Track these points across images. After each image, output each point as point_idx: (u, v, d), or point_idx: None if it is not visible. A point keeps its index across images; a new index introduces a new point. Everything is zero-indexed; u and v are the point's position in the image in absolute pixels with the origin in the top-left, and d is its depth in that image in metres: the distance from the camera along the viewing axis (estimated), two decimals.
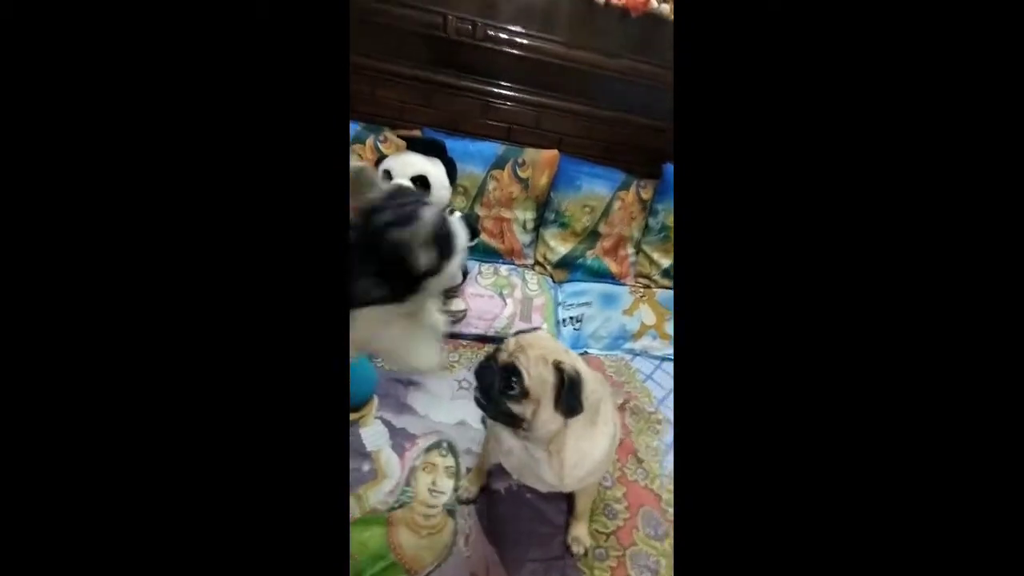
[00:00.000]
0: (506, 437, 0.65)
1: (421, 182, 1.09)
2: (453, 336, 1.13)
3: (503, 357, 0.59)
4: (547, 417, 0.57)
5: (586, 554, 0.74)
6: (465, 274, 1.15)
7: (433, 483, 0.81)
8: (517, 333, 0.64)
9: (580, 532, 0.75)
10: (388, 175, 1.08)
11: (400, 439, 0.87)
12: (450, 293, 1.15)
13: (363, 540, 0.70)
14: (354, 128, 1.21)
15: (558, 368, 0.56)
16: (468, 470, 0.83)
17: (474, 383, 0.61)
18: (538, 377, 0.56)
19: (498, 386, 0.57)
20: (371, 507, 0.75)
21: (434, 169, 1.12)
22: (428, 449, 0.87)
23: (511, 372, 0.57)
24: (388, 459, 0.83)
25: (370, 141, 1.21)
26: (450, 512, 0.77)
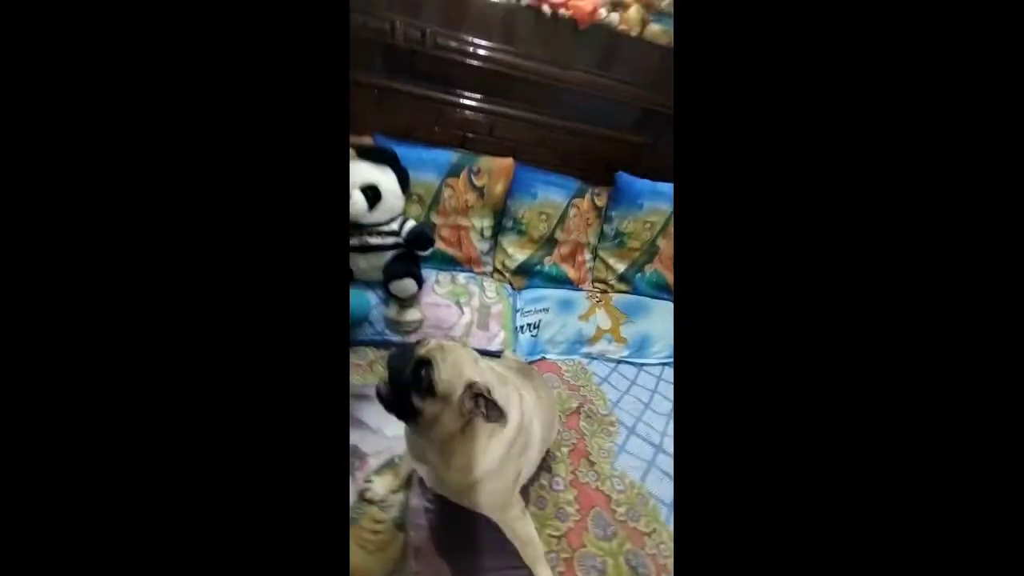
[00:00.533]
0: (410, 437, 0.66)
1: (372, 191, 1.08)
2: None
3: (420, 351, 0.59)
4: (448, 421, 0.58)
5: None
6: (420, 283, 1.14)
7: (383, 500, 0.80)
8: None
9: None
10: None
11: (352, 458, 0.85)
12: (405, 303, 1.14)
13: None
14: None
15: (472, 387, 0.58)
16: (419, 481, 0.83)
17: (384, 371, 0.61)
18: (448, 382, 0.57)
19: (408, 377, 0.57)
20: None
21: (385, 178, 1.11)
22: (381, 468, 0.85)
23: (424, 365, 0.57)
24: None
25: None
26: (399, 526, 0.77)
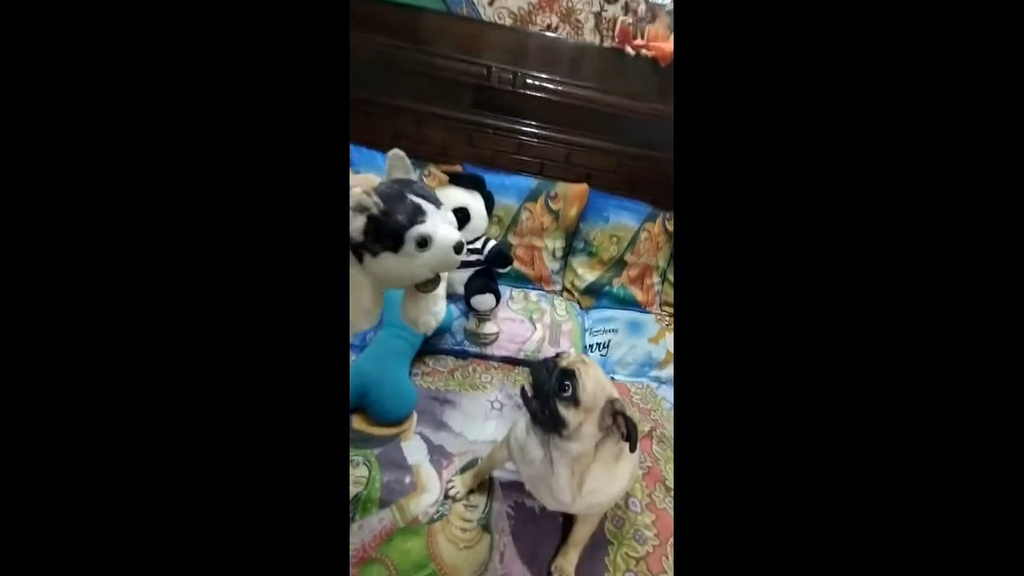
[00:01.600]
0: (533, 446, 0.67)
1: (462, 213, 1.19)
2: (484, 357, 1.19)
3: (562, 362, 0.61)
4: (589, 432, 0.60)
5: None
6: (498, 298, 1.22)
7: (468, 499, 0.85)
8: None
9: (564, 562, 0.74)
10: None
11: (438, 456, 0.92)
12: (483, 316, 1.22)
13: (405, 549, 0.74)
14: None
15: (613, 403, 0.59)
16: (501, 484, 0.87)
17: (528, 381, 0.64)
18: (593, 393, 0.59)
19: (552, 385, 0.59)
20: (412, 517, 0.79)
21: (474, 201, 1.21)
22: (463, 469, 0.91)
23: (568, 376, 0.59)
24: (428, 474, 0.88)
25: (415, 175, 1.33)
26: (485, 528, 0.81)
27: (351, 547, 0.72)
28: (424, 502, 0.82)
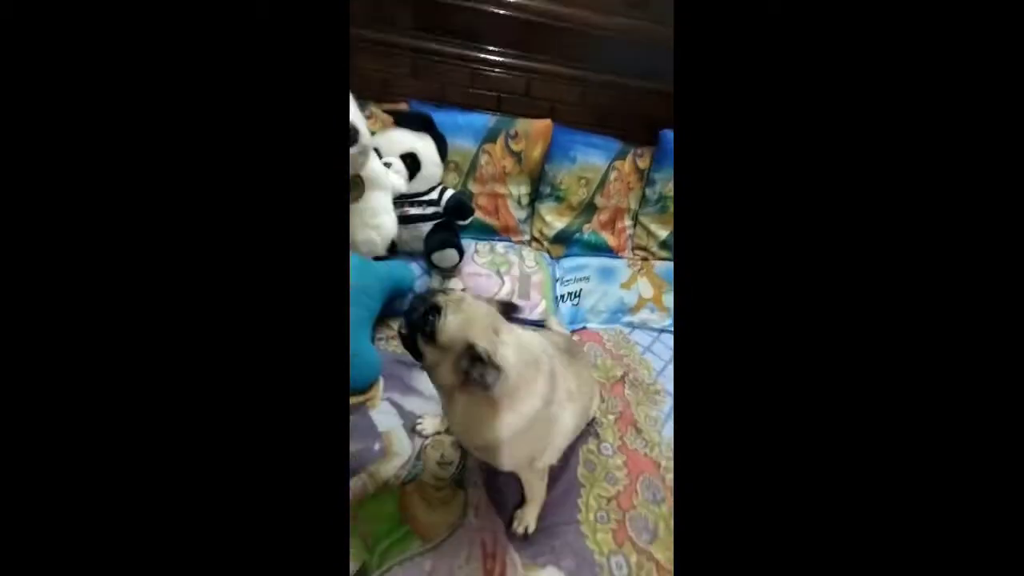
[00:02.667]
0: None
1: (411, 159, 1.06)
2: None
3: (434, 299, 0.60)
4: (445, 372, 0.59)
5: (526, 536, 0.75)
6: (462, 253, 1.14)
7: (441, 456, 0.85)
8: (461, 293, 0.65)
9: (525, 512, 0.76)
10: (377, 153, 1.05)
11: (409, 420, 0.90)
12: (447, 272, 1.15)
13: (378, 512, 0.74)
14: None
15: (470, 348, 0.56)
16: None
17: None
18: (451, 336, 0.57)
19: (416, 317, 0.59)
20: (383, 481, 0.79)
21: (423, 145, 1.08)
22: (437, 431, 0.89)
23: (433, 312, 0.58)
24: (400, 439, 0.86)
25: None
26: (459, 484, 0.81)
27: None
28: (394, 464, 0.81)
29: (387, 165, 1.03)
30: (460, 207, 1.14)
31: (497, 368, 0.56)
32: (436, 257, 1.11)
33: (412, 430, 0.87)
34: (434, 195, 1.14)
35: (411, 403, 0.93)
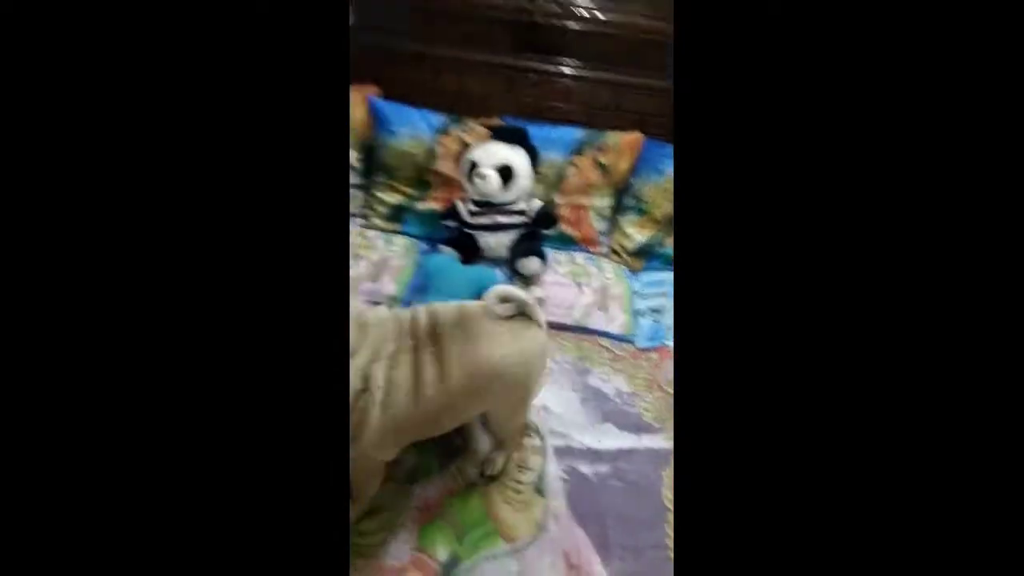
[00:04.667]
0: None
1: (505, 171, 1.11)
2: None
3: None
4: None
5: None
6: (546, 262, 1.16)
7: (521, 459, 0.86)
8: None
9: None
10: (474, 165, 1.11)
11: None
12: (529, 280, 1.18)
13: (465, 506, 0.77)
14: (439, 119, 1.25)
15: None
16: (555, 449, 0.87)
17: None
18: None
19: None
20: (469, 479, 0.82)
21: (518, 158, 1.13)
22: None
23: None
24: (479, 435, 0.89)
25: (455, 131, 1.25)
26: (538, 491, 0.82)
27: (414, 504, 0.75)
28: (475, 461, 0.84)
29: (482, 176, 1.09)
30: (547, 217, 1.17)
31: None
32: (520, 265, 1.14)
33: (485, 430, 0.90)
34: (523, 205, 1.18)
35: None
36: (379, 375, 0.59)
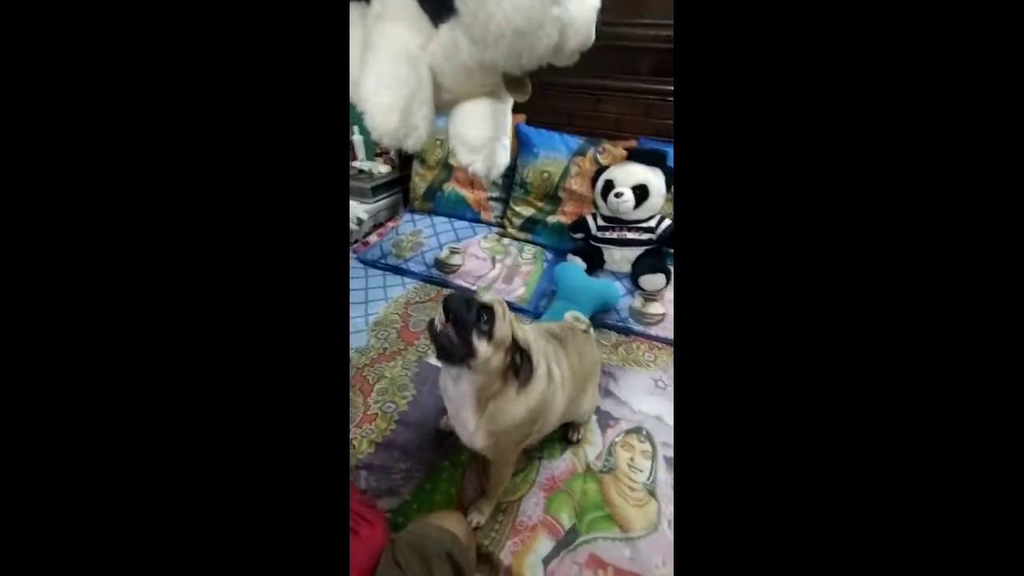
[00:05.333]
0: (448, 383, 0.69)
1: (640, 191, 1.18)
2: (648, 337, 1.21)
3: (482, 299, 0.63)
4: (494, 367, 0.64)
5: (476, 529, 0.76)
6: (670, 279, 1.19)
7: (631, 460, 0.93)
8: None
9: (482, 505, 0.80)
10: (611, 184, 1.21)
11: (604, 418, 1.01)
12: (649, 296, 1.22)
13: (584, 490, 0.87)
14: (576, 141, 1.38)
15: (516, 342, 0.64)
16: (666, 459, 0.92)
17: (440, 313, 0.62)
18: (504, 332, 0.63)
19: (471, 317, 0.60)
20: (586, 464, 0.92)
21: (654, 178, 1.19)
22: (628, 431, 0.98)
23: (486, 311, 0.61)
24: (593, 430, 0.98)
25: (590, 153, 1.37)
26: (651, 493, 0.87)
27: (541, 479, 0.88)
28: (591, 452, 0.93)
29: (618, 196, 1.19)
30: (674, 236, 1.21)
31: (531, 363, 0.66)
32: (644, 280, 1.20)
33: (604, 428, 0.98)
34: (652, 223, 1.24)
35: (606, 404, 1.04)
36: (555, 370, 0.77)
